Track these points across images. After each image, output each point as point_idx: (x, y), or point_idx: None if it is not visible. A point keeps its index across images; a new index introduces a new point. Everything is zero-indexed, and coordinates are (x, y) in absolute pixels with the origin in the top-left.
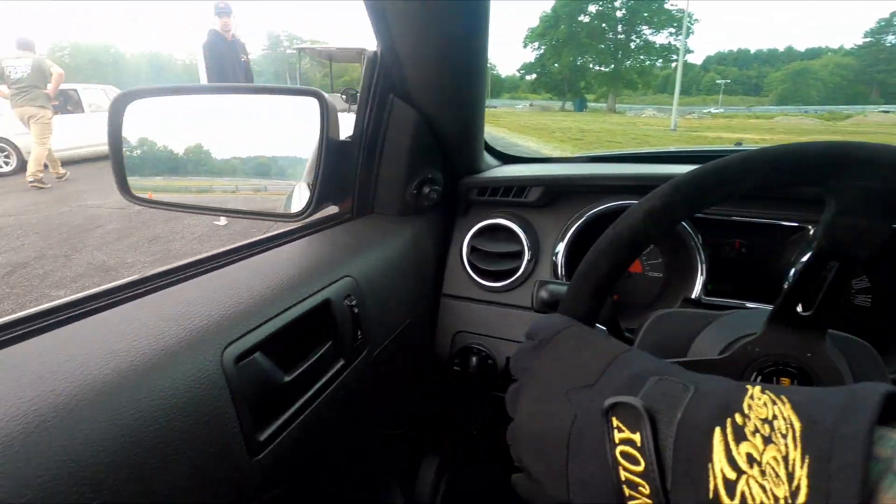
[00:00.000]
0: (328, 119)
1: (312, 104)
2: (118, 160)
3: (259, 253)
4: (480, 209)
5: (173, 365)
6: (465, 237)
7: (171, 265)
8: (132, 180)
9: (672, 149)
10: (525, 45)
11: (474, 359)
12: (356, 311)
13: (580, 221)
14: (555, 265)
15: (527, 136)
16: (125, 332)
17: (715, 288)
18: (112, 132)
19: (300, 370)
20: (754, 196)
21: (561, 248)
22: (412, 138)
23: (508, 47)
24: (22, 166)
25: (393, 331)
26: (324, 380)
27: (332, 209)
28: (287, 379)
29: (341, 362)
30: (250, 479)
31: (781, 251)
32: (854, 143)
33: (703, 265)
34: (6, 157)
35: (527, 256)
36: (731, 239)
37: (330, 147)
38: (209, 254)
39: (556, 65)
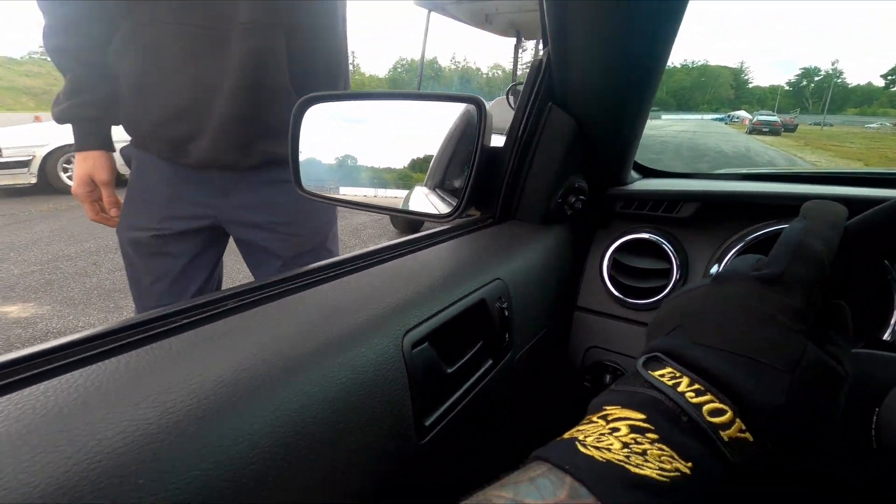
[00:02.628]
0: (484, 126)
1: (465, 110)
2: (295, 159)
3: (420, 249)
4: (623, 222)
5: (365, 343)
6: (606, 250)
7: (352, 254)
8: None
9: (834, 168)
10: None
11: (608, 376)
12: (506, 313)
13: (741, 244)
14: None
15: None
16: (324, 310)
17: None
18: (293, 134)
19: (459, 364)
20: None
21: (716, 269)
22: (565, 147)
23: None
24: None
25: (532, 338)
26: (476, 376)
27: (472, 213)
28: (449, 371)
29: (490, 362)
30: (415, 458)
31: None
32: None
33: None
34: None
35: (675, 275)
36: None
37: (483, 153)
38: (378, 247)
39: None
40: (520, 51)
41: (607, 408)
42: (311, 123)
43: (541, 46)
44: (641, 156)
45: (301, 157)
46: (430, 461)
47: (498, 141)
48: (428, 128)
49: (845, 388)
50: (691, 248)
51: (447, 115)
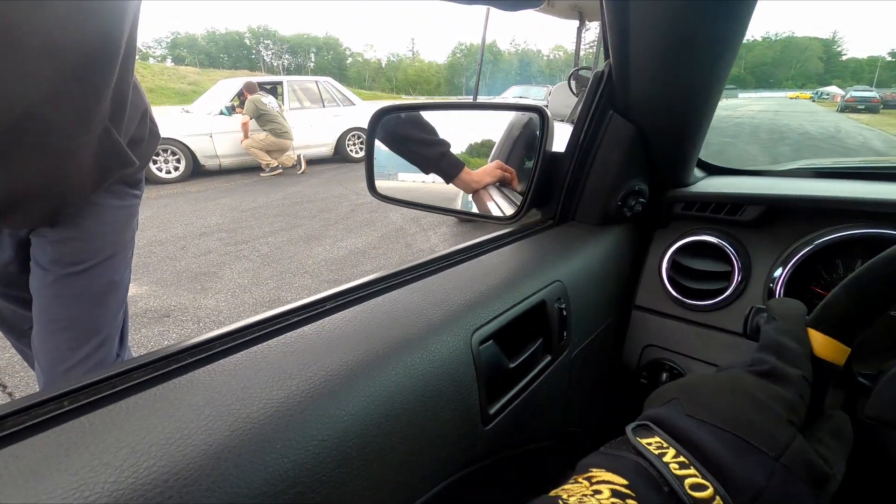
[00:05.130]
0: (546, 132)
1: (523, 118)
2: (370, 165)
3: (483, 254)
4: (683, 223)
5: (438, 340)
6: (666, 251)
7: (420, 260)
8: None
9: None
10: None
11: (665, 375)
12: (564, 313)
13: (809, 248)
14: (770, 291)
15: None
16: (402, 311)
17: None
18: (368, 141)
19: (520, 360)
20: None
21: (780, 273)
22: (625, 153)
23: None
24: (195, 171)
25: (588, 335)
26: (534, 371)
27: (533, 215)
28: (511, 366)
29: (548, 358)
30: (482, 443)
31: None
32: None
33: None
34: (177, 160)
35: (737, 278)
36: None
37: (545, 158)
38: (445, 252)
39: None
40: (583, 32)
41: (593, 470)
42: (385, 132)
43: (602, 57)
44: (712, 139)
45: (375, 164)
46: (493, 445)
47: (559, 130)
48: (491, 131)
49: (829, 489)
50: (755, 250)
51: (507, 118)
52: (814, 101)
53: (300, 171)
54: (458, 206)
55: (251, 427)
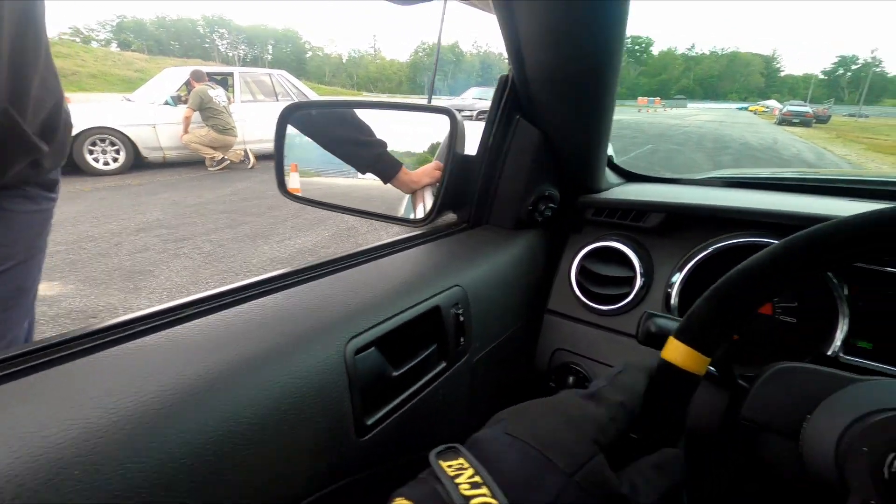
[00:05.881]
0: (456, 135)
1: (443, 121)
2: (280, 163)
3: (382, 256)
4: (595, 229)
5: (306, 350)
6: (575, 256)
7: (311, 262)
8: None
9: (826, 174)
10: None
11: (571, 378)
12: (461, 318)
13: (704, 254)
14: (668, 296)
15: None
16: (272, 318)
17: (857, 347)
18: (277, 138)
19: (407, 367)
20: None
21: (678, 278)
22: (533, 157)
23: None
24: (136, 163)
25: (494, 340)
26: (426, 378)
27: (449, 217)
28: (395, 374)
29: (443, 364)
30: (355, 455)
31: None
32: None
33: (846, 319)
34: (116, 151)
35: (638, 283)
36: (888, 292)
37: (455, 161)
38: (342, 254)
39: None
40: None
41: (396, 500)
42: (295, 129)
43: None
44: (661, 145)
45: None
46: (372, 456)
47: None
48: (415, 135)
49: None
50: (657, 256)
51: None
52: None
53: (249, 166)
54: (404, 204)
55: (44, 454)
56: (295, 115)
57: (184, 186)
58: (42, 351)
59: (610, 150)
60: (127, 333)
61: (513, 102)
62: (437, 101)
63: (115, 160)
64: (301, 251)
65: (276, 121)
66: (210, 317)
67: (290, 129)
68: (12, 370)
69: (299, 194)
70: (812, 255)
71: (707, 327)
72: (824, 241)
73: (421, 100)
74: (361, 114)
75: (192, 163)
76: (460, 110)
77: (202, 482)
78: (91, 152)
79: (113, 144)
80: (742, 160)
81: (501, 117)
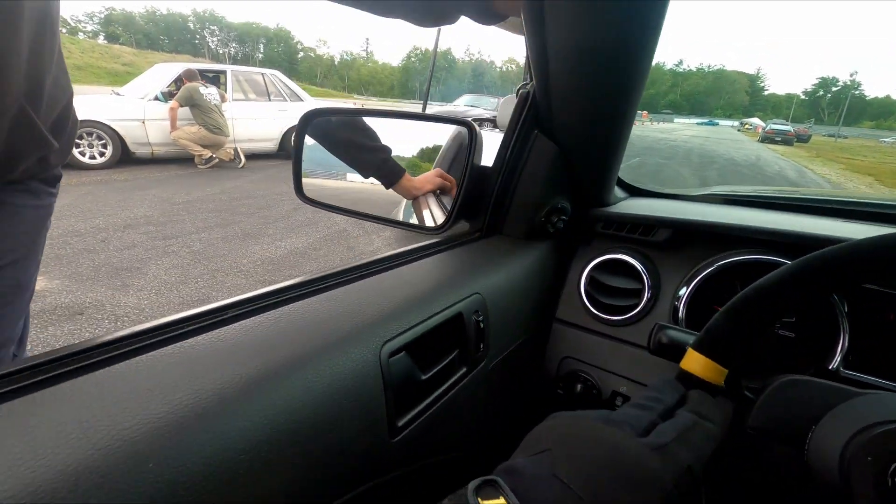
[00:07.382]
0: (475, 146)
1: (448, 129)
2: (297, 167)
3: (404, 264)
4: (604, 241)
5: (345, 352)
6: (585, 267)
7: (340, 268)
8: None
9: (817, 195)
10: None
11: (579, 386)
12: (482, 325)
13: (710, 269)
14: (675, 309)
15: None
16: (312, 320)
17: (858, 362)
18: (297, 143)
19: (433, 372)
20: None
21: (685, 292)
22: (548, 171)
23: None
24: (124, 157)
25: (508, 347)
26: (449, 382)
27: (461, 226)
28: (423, 377)
29: (464, 369)
30: (387, 456)
31: None
32: None
33: (846, 335)
34: (103, 145)
35: (646, 296)
36: (885, 310)
37: (473, 171)
38: (366, 260)
39: None
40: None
41: None
42: (315, 135)
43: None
44: (650, 159)
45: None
46: (402, 457)
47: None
48: (441, 138)
49: None
50: (664, 270)
51: (445, 130)
52: (738, 130)
53: (240, 165)
54: (401, 211)
55: (120, 445)
56: (314, 120)
57: (172, 183)
58: (103, 347)
59: None
60: (176, 333)
61: (532, 117)
62: (430, 108)
63: (102, 154)
64: (292, 252)
65: (296, 122)
66: (255, 317)
67: (309, 135)
68: (78, 365)
69: (317, 199)
70: (827, 276)
71: (726, 340)
72: (839, 263)
73: (414, 106)
74: (369, 120)
75: (180, 160)
76: None
77: (249, 480)
78: (77, 146)
79: (100, 138)
80: (727, 175)
81: (520, 131)
